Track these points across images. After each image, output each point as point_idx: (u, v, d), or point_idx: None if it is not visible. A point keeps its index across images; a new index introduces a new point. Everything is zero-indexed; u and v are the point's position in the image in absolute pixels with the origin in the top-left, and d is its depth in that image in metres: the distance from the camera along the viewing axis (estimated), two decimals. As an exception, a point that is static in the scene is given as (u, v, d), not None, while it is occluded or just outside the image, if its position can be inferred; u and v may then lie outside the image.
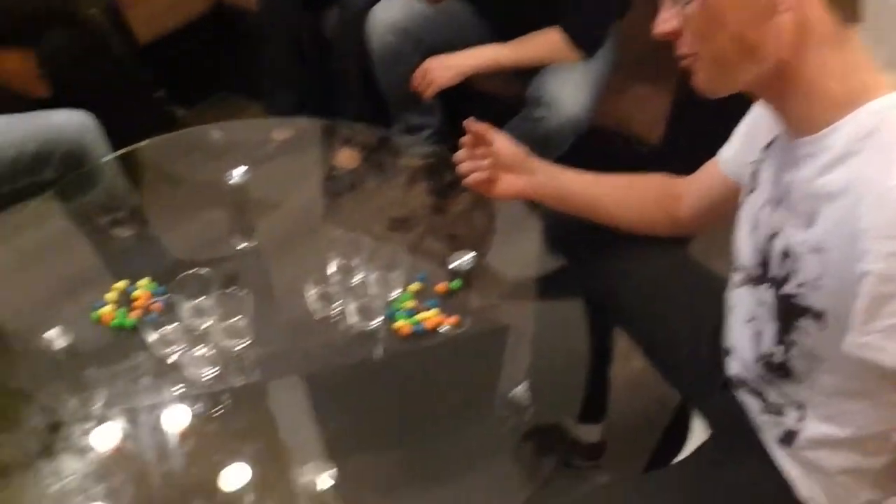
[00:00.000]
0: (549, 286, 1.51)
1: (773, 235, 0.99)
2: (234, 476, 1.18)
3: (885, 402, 0.92)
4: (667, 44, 0.94)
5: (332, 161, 2.37)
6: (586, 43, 1.91)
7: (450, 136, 2.28)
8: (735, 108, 1.11)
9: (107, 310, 1.36)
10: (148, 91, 2.18)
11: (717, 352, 1.19)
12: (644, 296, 1.36)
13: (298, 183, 2.13)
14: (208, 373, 1.28)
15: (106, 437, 1.23)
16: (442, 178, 2.24)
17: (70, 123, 1.60)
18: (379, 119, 2.30)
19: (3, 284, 1.52)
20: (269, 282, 1.53)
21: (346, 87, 2.33)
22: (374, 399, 1.34)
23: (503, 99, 2.17)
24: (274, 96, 2.49)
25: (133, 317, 1.36)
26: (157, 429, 1.25)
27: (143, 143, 1.73)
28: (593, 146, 1.98)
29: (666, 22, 0.93)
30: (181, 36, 2.57)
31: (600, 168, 1.36)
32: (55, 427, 1.25)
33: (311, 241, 1.70)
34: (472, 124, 1.33)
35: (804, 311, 0.94)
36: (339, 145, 2.43)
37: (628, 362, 1.50)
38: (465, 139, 1.34)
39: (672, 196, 1.32)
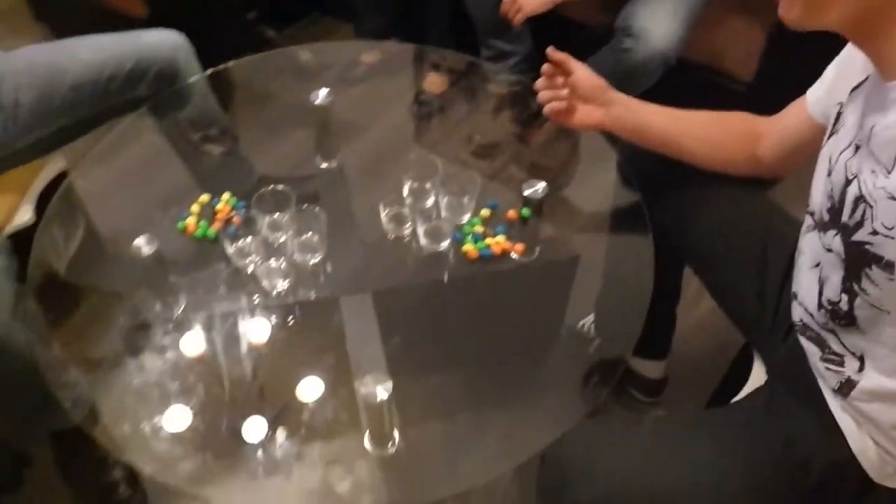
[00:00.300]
0: (622, 220, 1.51)
1: (849, 181, 0.96)
2: (302, 383, 1.25)
3: None
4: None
5: (420, 85, 2.39)
6: None
7: (538, 64, 2.25)
8: (834, 46, 1.07)
9: (191, 221, 1.44)
10: (241, 13, 2.22)
11: (785, 297, 1.17)
12: (715, 236, 1.34)
13: (385, 106, 2.15)
14: (282, 284, 1.33)
15: (186, 339, 1.31)
16: (527, 106, 2.23)
17: (164, 43, 1.65)
18: (467, 46, 2.29)
19: (99, 196, 1.61)
20: (348, 201, 1.58)
21: (437, 12, 2.32)
22: (440, 320, 1.38)
23: (594, 28, 2.13)
24: (364, 19, 2.50)
25: (214, 228, 1.42)
26: (232, 335, 1.32)
27: (233, 63, 1.78)
28: (682, 81, 1.94)
29: None
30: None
31: (688, 105, 1.34)
32: (141, 327, 1.34)
33: (392, 163, 1.73)
34: (553, 53, 1.33)
35: (875, 260, 0.92)
36: (427, 70, 2.44)
37: (698, 303, 1.50)
38: (545, 68, 1.35)
39: (754, 135, 1.28)
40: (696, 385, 1.67)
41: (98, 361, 1.36)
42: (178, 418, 1.24)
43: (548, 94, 1.35)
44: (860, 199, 0.93)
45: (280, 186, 1.36)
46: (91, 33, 1.68)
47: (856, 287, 0.97)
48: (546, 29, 2.15)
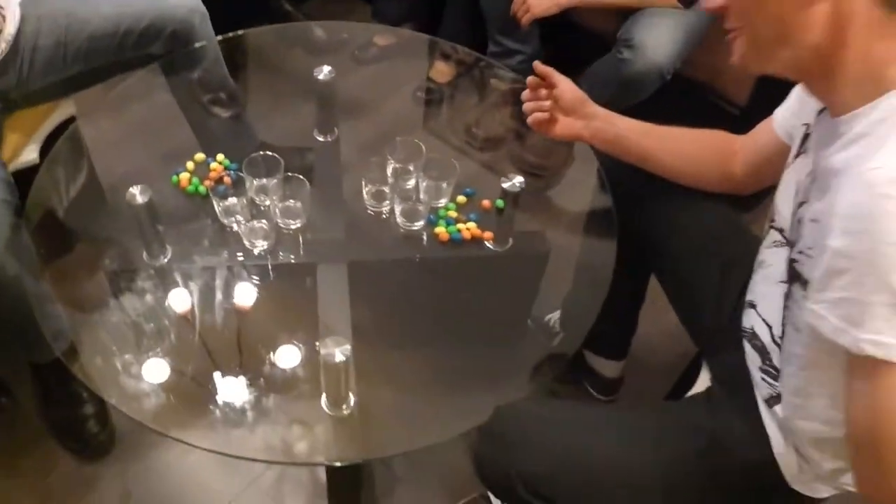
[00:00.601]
0: (593, 222, 1.57)
1: (801, 203, 1.03)
2: (280, 350, 1.32)
3: (833, 378, 0.96)
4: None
5: (428, 72, 2.46)
6: None
7: (542, 61, 2.32)
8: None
9: (184, 176, 1.52)
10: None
11: (741, 306, 1.24)
12: (682, 246, 1.41)
13: (391, 88, 2.22)
14: (263, 244, 1.40)
15: (173, 294, 1.37)
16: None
17: (182, 5, 1.71)
18: (477, 40, 2.36)
19: (103, 144, 1.69)
20: (338, 175, 1.64)
21: (453, 4, 2.38)
22: (408, 296, 1.45)
23: (601, 35, 2.18)
24: (381, 3, 2.57)
25: (206, 186, 1.50)
26: (211, 288, 1.39)
27: (245, 32, 1.85)
28: (679, 97, 2.00)
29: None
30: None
31: (681, 121, 1.39)
32: (126, 272, 1.42)
33: (385, 143, 1.81)
34: (538, 66, 1.39)
35: (797, 278, 0.99)
36: (436, 58, 2.51)
37: (668, 311, 1.56)
38: (530, 80, 1.40)
39: (729, 152, 1.35)
40: (651, 389, 1.73)
41: (82, 300, 1.44)
42: (155, 371, 1.31)
43: (531, 105, 1.41)
44: (800, 220, 1.01)
45: (270, 153, 1.43)
46: None
47: (787, 304, 1.04)
48: (555, 32, 2.21)
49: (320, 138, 1.70)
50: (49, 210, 1.53)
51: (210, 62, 1.80)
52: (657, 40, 1.90)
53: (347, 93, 1.95)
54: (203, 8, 1.75)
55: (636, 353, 1.79)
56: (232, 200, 1.41)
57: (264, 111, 1.90)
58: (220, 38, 1.79)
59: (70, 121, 1.81)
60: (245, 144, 1.84)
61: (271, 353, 1.32)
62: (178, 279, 1.41)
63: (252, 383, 1.31)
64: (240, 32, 1.84)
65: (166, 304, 1.37)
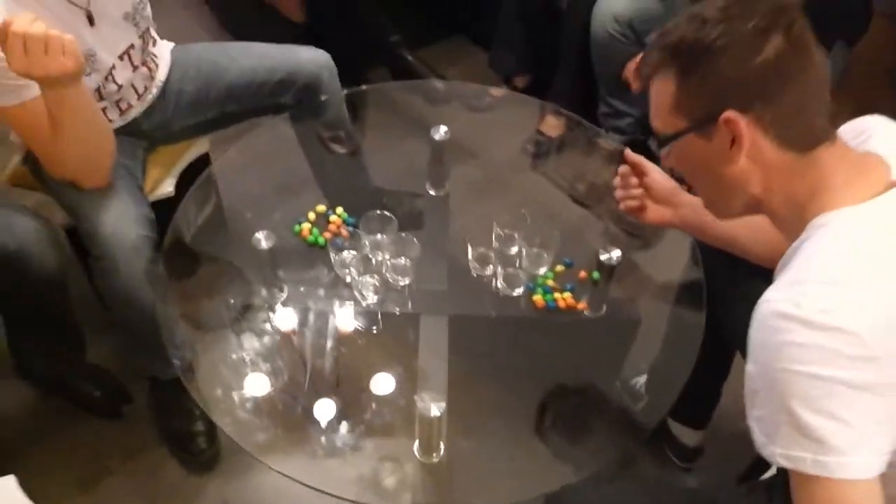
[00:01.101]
0: (684, 295, 1.62)
1: None
2: (376, 377, 1.45)
3: None
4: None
5: (538, 125, 2.54)
6: None
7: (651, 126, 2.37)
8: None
9: (306, 226, 1.66)
10: (385, 35, 2.42)
11: None
12: None
13: (502, 138, 2.31)
14: (373, 297, 1.52)
15: (280, 314, 1.52)
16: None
17: (313, 61, 1.86)
18: (588, 97, 2.43)
19: (237, 185, 1.85)
20: (445, 228, 1.74)
21: (566, 60, 2.45)
22: (503, 354, 1.55)
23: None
24: (497, 54, 2.67)
25: (325, 237, 1.63)
26: (321, 327, 1.52)
27: (371, 87, 1.98)
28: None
29: (664, 160, 1.08)
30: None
31: None
32: (246, 306, 1.56)
33: (493, 201, 1.91)
34: (629, 155, 1.46)
35: None
36: (546, 112, 2.59)
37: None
38: (621, 169, 1.47)
39: None
40: (730, 460, 1.76)
41: (203, 325, 1.59)
42: (257, 385, 1.46)
43: (622, 193, 1.48)
44: None
45: (386, 212, 1.55)
46: (252, 26, 1.89)
47: None
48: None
49: (432, 192, 1.81)
50: (181, 243, 1.67)
51: (334, 111, 1.93)
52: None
53: (459, 140, 2.04)
54: (332, 64, 1.89)
55: (718, 424, 1.82)
56: (347, 255, 1.52)
57: (380, 159, 2.02)
58: (345, 91, 1.93)
59: (204, 157, 1.98)
60: (362, 187, 1.98)
61: (375, 387, 1.45)
62: (291, 309, 1.54)
63: (350, 417, 1.43)
64: (363, 87, 1.97)
65: (276, 325, 1.51)
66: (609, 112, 2.33)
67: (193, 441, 1.84)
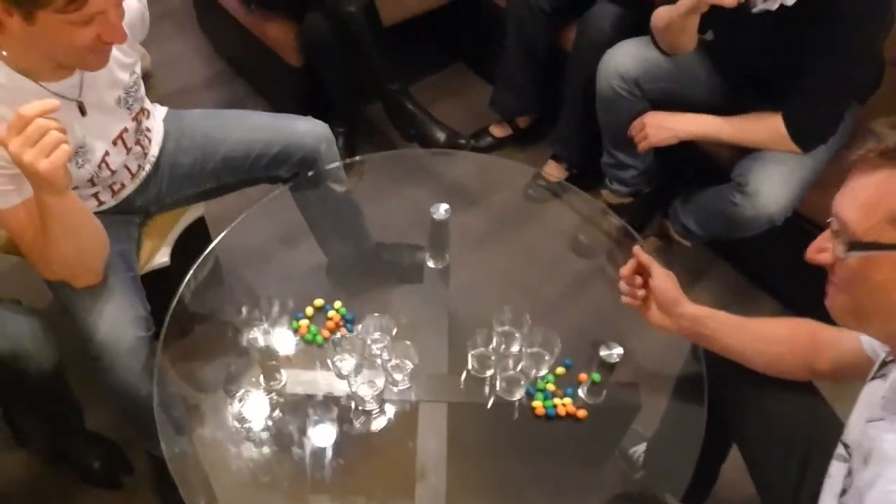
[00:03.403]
0: (684, 388, 1.62)
1: (870, 420, 1.06)
2: (372, 468, 1.47)
3: None
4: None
5: (541, 170, 2.51)
6: (805, 139, 1.87)
7: (656, 178, 2.34)
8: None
9: (304, 323, 1.63)
10: (385, 81, 2.38)
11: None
12: (763, 430, 1.44)
13: (502, 180, 2.28)
14: (370, 395, 1.50)
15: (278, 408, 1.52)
16: (633, 219, 2.33)
17: (311, 133, 1.82)
18: (591, 145, 2.39)
19: (237, 268, 1.84)
20: (446, 303, 1.76)
21: (570, 108, 2.41)
22: (500, 453, 1.55)
23: (716, 160, 2.18)
24: (499, 96, 2.62)
25: (323, 335, 1.61)
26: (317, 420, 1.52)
27: (369, 156, 1.95)
28: (785, 229, 1.98)
29: (821, 253, 1.00)
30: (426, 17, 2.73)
31: (781, 256, 1.42)
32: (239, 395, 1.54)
33: (497, 240, 1.94)
34: (639, 253, 1.44)
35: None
36: (549, 157, 2.56)
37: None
38: (626, 271, 1.45)
39: (816, 346, 1.36)
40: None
41: (202, 413, 1.58)
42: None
43: (625, 289, 1.47)
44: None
45: (385, 316, 1.53)
46: (247, 58, 1.81)
47: None
48: (670, 148, 2.18)
49: (431, 264, 1.79)
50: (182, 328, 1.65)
51: (333, 179, 1.90)
52: (771, 188, 1.88)
53: (460, 180, 2.05)
54: (330, 134, 1.85)
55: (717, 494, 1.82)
56: (346, 359, 1.51)
57: (379, 232, 2.00)
58: (342, 162, 1.90)
59: (199, 221, 1.96)
60: (361, 243, 1.99)
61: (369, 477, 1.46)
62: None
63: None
64: (357, 158, 1.95)
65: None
66: (612, 163, 2.29)
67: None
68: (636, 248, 1.45)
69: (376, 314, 1.54)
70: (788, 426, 1.43)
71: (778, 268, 2.32)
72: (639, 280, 1.45)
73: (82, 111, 1.49)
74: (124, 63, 1.55)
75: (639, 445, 1.68)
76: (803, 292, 1.42)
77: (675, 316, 1.43)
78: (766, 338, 1.41)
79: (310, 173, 1.85)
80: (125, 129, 1.60)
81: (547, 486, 1.52)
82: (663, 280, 1.43)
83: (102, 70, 1.43)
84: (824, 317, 1.09)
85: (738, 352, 1.41)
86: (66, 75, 1.43)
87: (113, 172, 1.61)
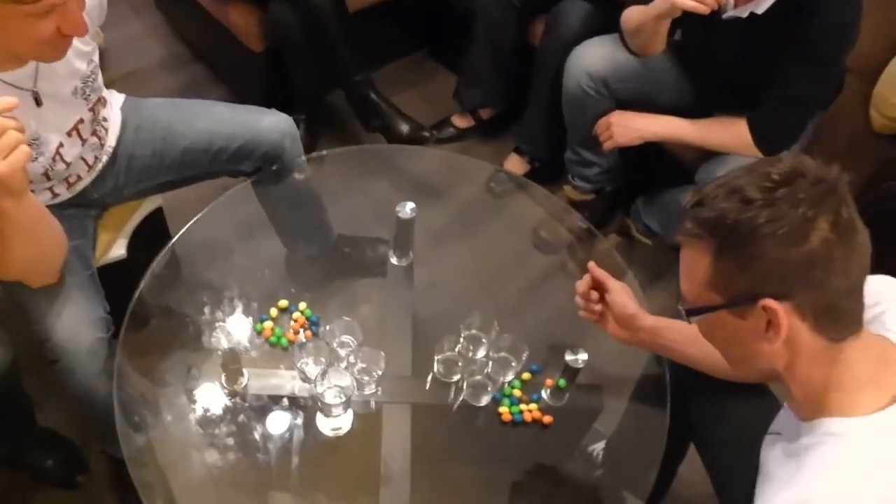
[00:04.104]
0: (646, 389, 1.63)
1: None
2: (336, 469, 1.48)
3: None
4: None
5: (503, 163, 2.50)
6: (768, 145, 1.89)
7: (618, 176, 2.34)
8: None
9: (268, 325, 1.59)
10: (350, 72, 2.34)
11: None
12: (717, 433, 1.47)
13: (464, 175, 2.26)
14: (337, 402, 1.48)
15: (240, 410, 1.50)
16: (595, 215, 2.33)
17: (275, 128, 1.77)
18: (555, 141, 2.38)
19: (198, 264, 1.79)
20: (410, 301, 1.74)
21: (536, 103, 2.39)
22: (462, 457, 1.55)
23: (681, 161, 2.18)
24: (463, 88, 2.60)
25: (287, 338, 1.58)
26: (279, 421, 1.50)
27: (332, 151, 1.92)
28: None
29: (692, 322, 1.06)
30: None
31: None
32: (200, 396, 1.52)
33: (460, 236, 1.95)
34: (594, 269, 1.44)
35: None
36: (511, 151, 2.55)
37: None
38: (582, 287, 1.45)
39: None
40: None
41: (162, 413, 1.54)
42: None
43: (582, 304, 1.47)
44: None
45: (351, 319, 1.51)
46: (208, 42, 1.74)
47: None
48: (634, 147, 2.18)
49: (394, 261, 1.77)
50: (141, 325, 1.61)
51: (297, 175, 1.86)
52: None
53: (422, 175, 2.04)
54: (294, 129, 1.81)
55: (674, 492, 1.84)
56: (311, 365, 1.48)
57: (343, 227, 1.97)
58: (306, 157, 1.87)
59: (156, 212, 1.91)
60: (323, 238, 1.96)
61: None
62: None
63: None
64: (324, 152, 1.92)
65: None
66: (576, 160, 2.29)
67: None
68: (591, 264, 1.45)
69: (344, 318, 1.51)
70: (746, 429, 1.45)
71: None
72: (595, 295, 1.45)
73: (38, 102, 1.43)
74: (82, 52, 1.49)
75: (598, 443, 1.69)
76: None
77: (634, 329, 1.44)
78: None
79: (273, 167, 1.81)
80: (81, 120, 1.54)
81: (510, 489, 1.52)
82: (620, 295, 1.43)
83: None
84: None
85: (698, 361, 1.42)
86: (19, 65, 1.36)
87: (68, 165, 1.55)
